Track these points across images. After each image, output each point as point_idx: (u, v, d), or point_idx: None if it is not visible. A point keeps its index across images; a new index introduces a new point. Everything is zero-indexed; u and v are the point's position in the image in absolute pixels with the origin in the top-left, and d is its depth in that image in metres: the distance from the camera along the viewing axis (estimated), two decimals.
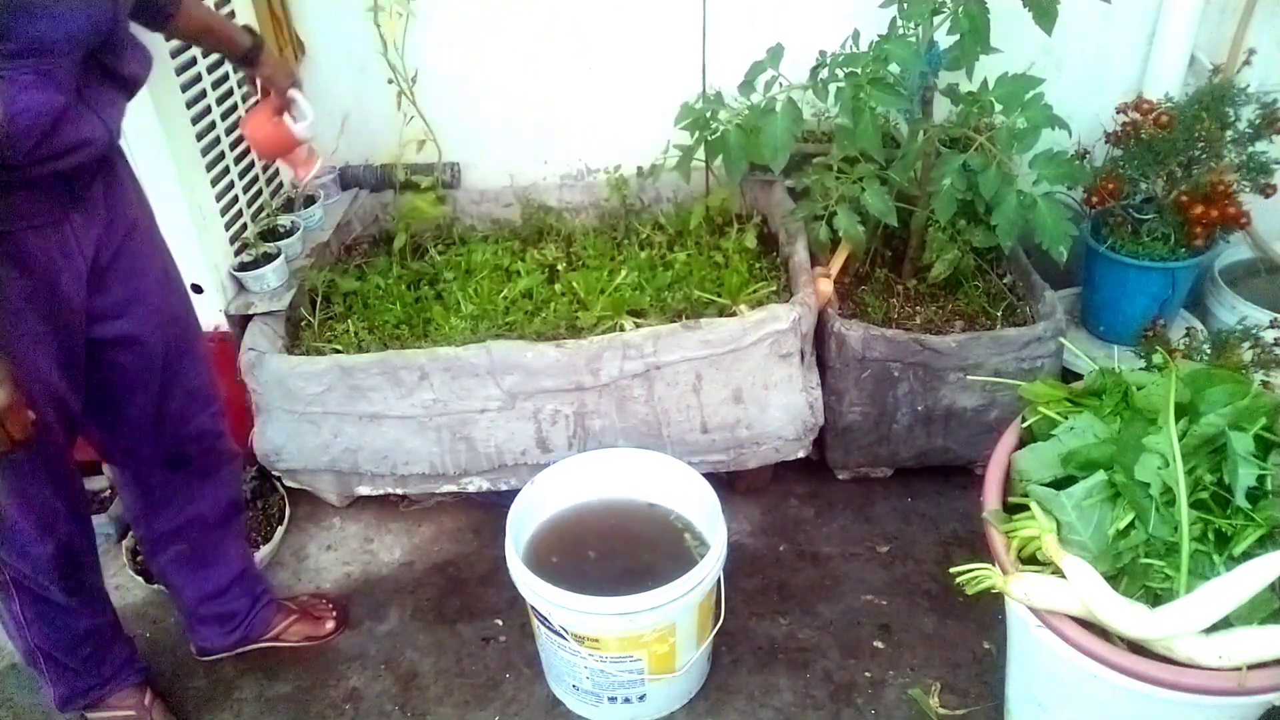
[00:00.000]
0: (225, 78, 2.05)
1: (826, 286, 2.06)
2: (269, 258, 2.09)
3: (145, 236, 1.49)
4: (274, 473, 2.13)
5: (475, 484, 2.07)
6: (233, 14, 2.06)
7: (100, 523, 2.12)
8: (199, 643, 1.89)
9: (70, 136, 1.21)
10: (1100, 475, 1.33)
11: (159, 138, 1.79)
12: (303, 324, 2.15)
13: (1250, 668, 1.20)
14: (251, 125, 1.80)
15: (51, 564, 1.50)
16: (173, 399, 1.58)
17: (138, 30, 1.40)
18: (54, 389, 1.36)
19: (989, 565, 1.39)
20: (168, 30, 1.57)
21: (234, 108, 2.09)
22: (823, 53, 1.92)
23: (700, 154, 2.11)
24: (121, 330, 1.45)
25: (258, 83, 1.76)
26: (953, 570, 1.43)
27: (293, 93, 1.77)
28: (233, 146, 2.09)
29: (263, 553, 2.09)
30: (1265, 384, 1.44)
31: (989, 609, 1.86)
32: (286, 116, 1.78)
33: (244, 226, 2.15)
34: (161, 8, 1.49)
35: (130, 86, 1.34)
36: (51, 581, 1.52)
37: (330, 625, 1.96)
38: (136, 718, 1.75)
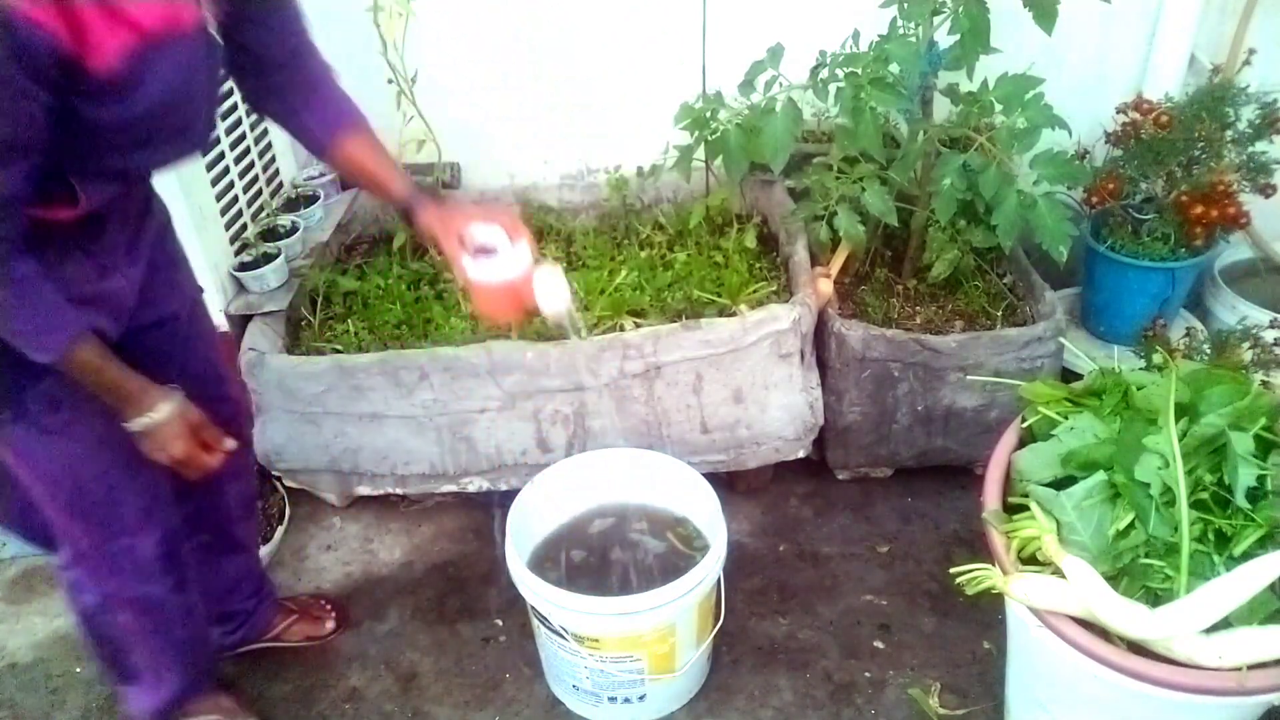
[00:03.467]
0: (224, 78, 2.05)
1: (826, 286, 2.06)
2: (269, 258, 2.10)
3: (173, 232, 1.51)
4: (274, 473, 2.13)
5: (475, 484, 2.07)
6: None
7: None
8: None
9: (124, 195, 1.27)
10: (1100, 475, 1.33)
11: None
12: (303, 324, 2.15)
13: (1250, 668, 1.20)
14: (473, 303, 1.42)
15: (156, 557, 1.47)
16: (202, 382, 1.57)
17: None
18: None
19: (989, 565, 1.39)
20: (325, 161, 1.50)
21: (234, 107, 2.09)
22: (823, 53, 1.92)
23: (700, 154, 2.11)
24: (159, 313, 1.45)
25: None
26: (953, 570, 1.43)
27: (474, 234, 1.34)
28: (233, 146, 2.09)
29: (263, 553, 2.08)
30: (1265, 384, 1.44)
31: (989, 609, 1.85)
32: (468, 265, 1.32)
33: (244, 226, 2.15)
34: (316, 139, 1.44)
35: None
36: (156, 579, 1.48)
37: (330, 625, 1.96)
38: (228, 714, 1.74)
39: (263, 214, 2.23)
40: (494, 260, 1.31)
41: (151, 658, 1.58)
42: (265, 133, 2.26)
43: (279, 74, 1.37)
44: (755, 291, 2.10)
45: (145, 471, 1.41)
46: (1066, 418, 1.44)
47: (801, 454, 2.09)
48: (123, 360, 1.37)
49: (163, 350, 1.49)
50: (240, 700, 1.80)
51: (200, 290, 1.60)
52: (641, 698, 1.71)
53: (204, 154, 1.30)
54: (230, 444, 1.41)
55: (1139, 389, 1.41)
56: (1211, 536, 1.28)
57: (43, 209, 1.15)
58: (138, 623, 1.52)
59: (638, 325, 2.01)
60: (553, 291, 1.34)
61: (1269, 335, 1.86)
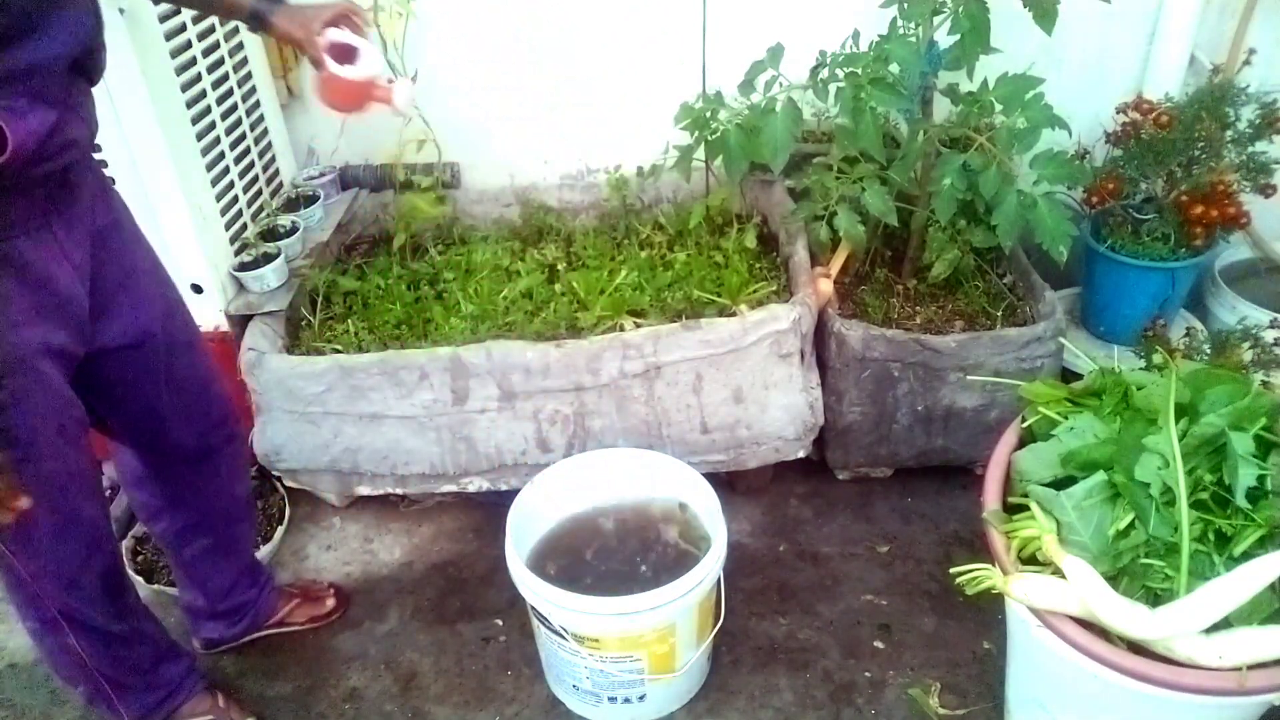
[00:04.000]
0: (225, 77, 2.05)
1: (826, 286, 2.06)
2: (269, 258, 2.09)
3: (130, 233, 1.46)
4: (274, 473, 2.13)
5: (475, 484, 2.07)
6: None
7: None
8: (205, 635, 1.89)
9: (59, 141, 1.20)
10: (1100, 475, 1.33)
11: (158, 138, 1.79)
12: (303, 324, 2.15)
13: (1250, 668, 1.20)
14: (317, 91, 1.56)
15: (100, 589, 1.47)
16: (192, 389, 1.57)
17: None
18: (70, 399, 1.33)
19: (989, 565, 1.39)
20: None
21: (234, 108, 2.09)
22: (823, 53, 1.92)
23: (700, 154, 2.11)
24: (133, 331, 1.43)
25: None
26: (953, 570, 1.43)
27: (331, 36, 1.48)
28: (233, 146, 2.09)
29: (263, 553, 2.09)
30: (1265, 384, 1.44)
31: (989, 609, 1.86)
32: (333, 65, 1.48)
33: (244, 226, 2.15)
34: None
35: (96, 76, 1.29)
36: (101, 609, 1.49)
37: (331, 603, 1.97)
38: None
39: (263, 214, 2.23)
40: (361, 61, 1.50)
41: (110, 674, 1.58)
42: (265, 132, 2.26)
43: None
44: (755, 291, 2.10)
45: (86, 514, 1.40)
46: (1066, 418, 1.45)
47: (801, 454, 2.09)
48: (102, 385, 1.35)
49: (147, 370, 1.48)
50: (236, 700, 1.80)
51: (178, 298, 1.56)
52: (641, 698, 1.71)
53: (100, 37, 1.20)
54: (25, 503, 1.16)
55: (1139, 389, 1.41)
56: (1211, 536, 1.28)
57: None
58: (85, 640, 1.51)
59: (638, 325, 2.01)
60: (406, 91, 1.59)
61: (1269, 335, 1.86)
